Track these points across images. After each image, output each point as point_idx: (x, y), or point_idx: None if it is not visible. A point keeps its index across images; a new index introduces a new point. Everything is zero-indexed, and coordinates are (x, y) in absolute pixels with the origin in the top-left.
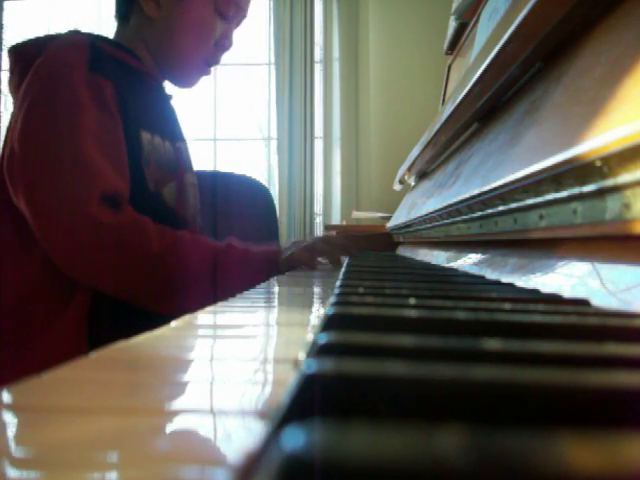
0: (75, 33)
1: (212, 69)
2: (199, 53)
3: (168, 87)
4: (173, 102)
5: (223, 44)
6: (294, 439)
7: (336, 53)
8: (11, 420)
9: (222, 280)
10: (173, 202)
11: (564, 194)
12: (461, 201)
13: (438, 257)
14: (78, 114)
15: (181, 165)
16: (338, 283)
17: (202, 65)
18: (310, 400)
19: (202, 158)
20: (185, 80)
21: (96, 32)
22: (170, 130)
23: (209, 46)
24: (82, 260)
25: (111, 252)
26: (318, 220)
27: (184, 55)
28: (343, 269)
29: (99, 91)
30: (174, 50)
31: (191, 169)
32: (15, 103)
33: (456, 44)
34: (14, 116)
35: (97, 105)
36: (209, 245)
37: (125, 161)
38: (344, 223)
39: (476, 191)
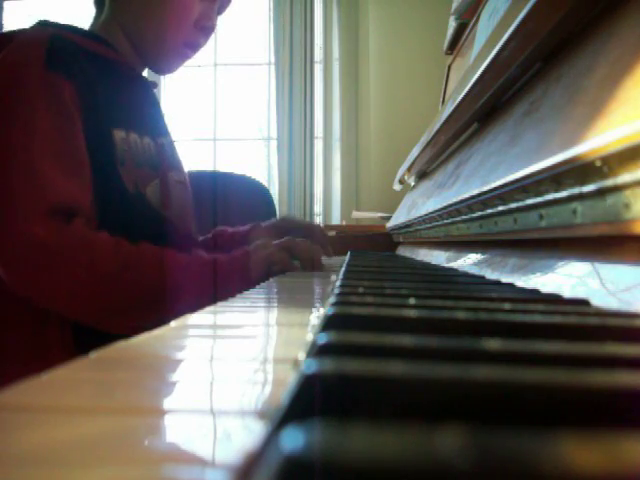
0: (42, 24)
1: (211, 68)
2: (178, 33)
3: (154, 77)
4: (174, 104)
5: (204, 25)
6: (293, 439)
7: (336, 53)
8: (11, 420)
9: (187, 292)
10: (158, 202)
11: (564, 194)
12: (461, 201)
13: (438, 257)
14: (31, 120)
15: (164, 162)
16: (338, 283)
17: (182, 48)
18: (310, 400)
19: (202, 158)
20: (165, 64)
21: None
22: (151, 125)
23: (188, 26)
24: (29, 280)
25: (57, 271)
26: (318, 220)
27: (162, 35)
28: (343, 269)
29: (56, 92)
30: (151, 30)
31: (178, 166)
32: None
33: (456, 44)
34: None
35: (53, 108)
36: (172, 257)
37: (85, 168)
38: (344, 223)
39: (476, 191)
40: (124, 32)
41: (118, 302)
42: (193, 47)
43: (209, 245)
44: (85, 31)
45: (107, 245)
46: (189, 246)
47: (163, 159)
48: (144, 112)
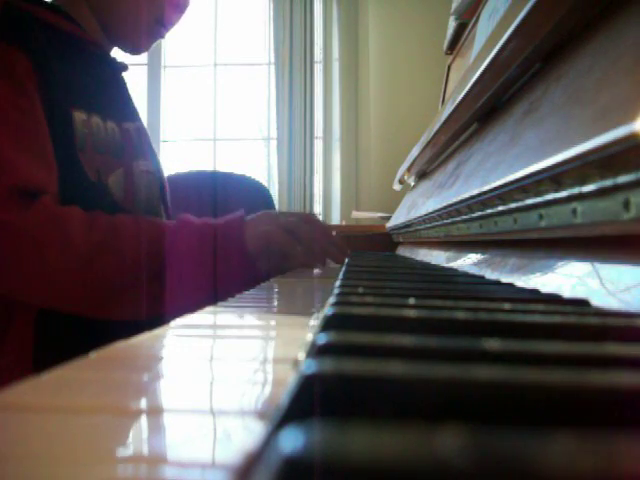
0: None
1: (211, 68)
2: (150, 7)
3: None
4: (174, 104)
5: (177, 0)
6: (293, 439)
7: (336, 53)
8: (11, 420)
9: (176, 264)
10: (120, 194)
11: (564, 194)
12: (461, 201)
13: (438, 257)
14: None
15: (130, 150)
16: (338, 283)
17: (152, 24)
18: (309, 400)
19: (202, 158)
20: (134, 42)
21: None
22: (116, 109)
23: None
24: None
25: (27, 254)
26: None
27: (132, 10)
28: (343, 269)
29: (10, 65)
30: (120, 3)
31: (147, 154)
32: None
33: (456, 44)
34: None
35: (7, 83)
36: (156, 226)
37: (47, 146)
38: (344, 223)
39: (476, 191)
40: (89, 5)
41: (101, 284)
42: (165, 24)
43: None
44: (46, 3)
45: (81, 220)
46: None
47: (128, 146)
48: (109, 94)
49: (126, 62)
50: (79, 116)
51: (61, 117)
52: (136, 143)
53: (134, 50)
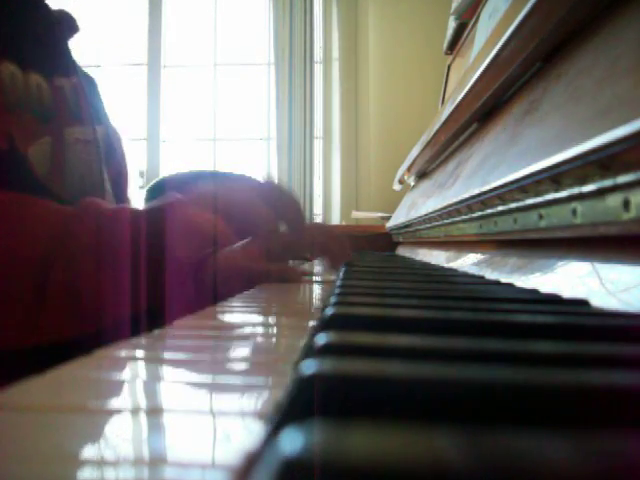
0: None
1: (211, 68)
2: None
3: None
4: (174, 104)
5: None
6: (293, 440)
7: (336, 53)
8: (11, 420)
9: (80, 261)
10: (43, 169)
11: (564, 194)
12: (461, 201)
13: (438, 257)
14: None
15: (62, 112)
16: (338, 283)
17: None
18: (309, 401)
19: (202, 158)
20: None
21: (94, 34)
22: (44, 60)
23: None
24: None
25: None
26: (318, 220)
27: None
28: (343, 269)
29: None
30: None
31: (87, 119)
32: None
33: (456, 44)
34: None
35: None
36: (53, 211)
37: None
38: (344, 223)
39: (476, 191)
40: None
41: None
42: None
43: None
44: None
45: None
46: None
47: (60, 108)
48: (35, 41)
49: (78, 24)
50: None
51: None
52: (72, 104)
53: None
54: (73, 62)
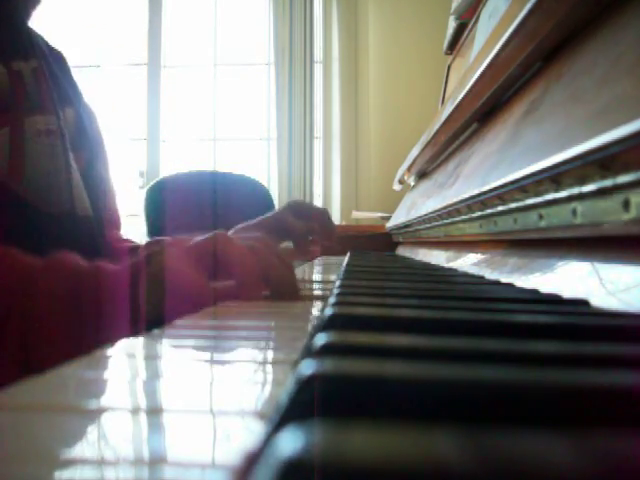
0: None
1: (211, 68)
2: None
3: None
4: (174, 104)
5: None
6: (292, 440)
7: (336, 53)
8: (11, 420)
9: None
10: (3, 165)
11: (564, 194)
12: (461, 201)
13: (438, 257)
14: None
15: (22, 100)
16: (338, 283)
17: None
18: (309, 400)
19: (202, 158)
20: None
21: (94, 34)
22: (1, 43)
23: None
24: None
25: None
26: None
27: None
28: (343, 269)
29: None
30: None
31: (50, 107)
32: None
33: (456, 44)
34: None
35: None
36: (19, 264)
37: None
38: (344, 223)
39: (476, 191)
40: None
41: None
42: None
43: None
44: None
45: None
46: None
47: (18, 95)
48: None
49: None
50: None
51: None
52: (32, 91)
53: None
54: (34, 42)
